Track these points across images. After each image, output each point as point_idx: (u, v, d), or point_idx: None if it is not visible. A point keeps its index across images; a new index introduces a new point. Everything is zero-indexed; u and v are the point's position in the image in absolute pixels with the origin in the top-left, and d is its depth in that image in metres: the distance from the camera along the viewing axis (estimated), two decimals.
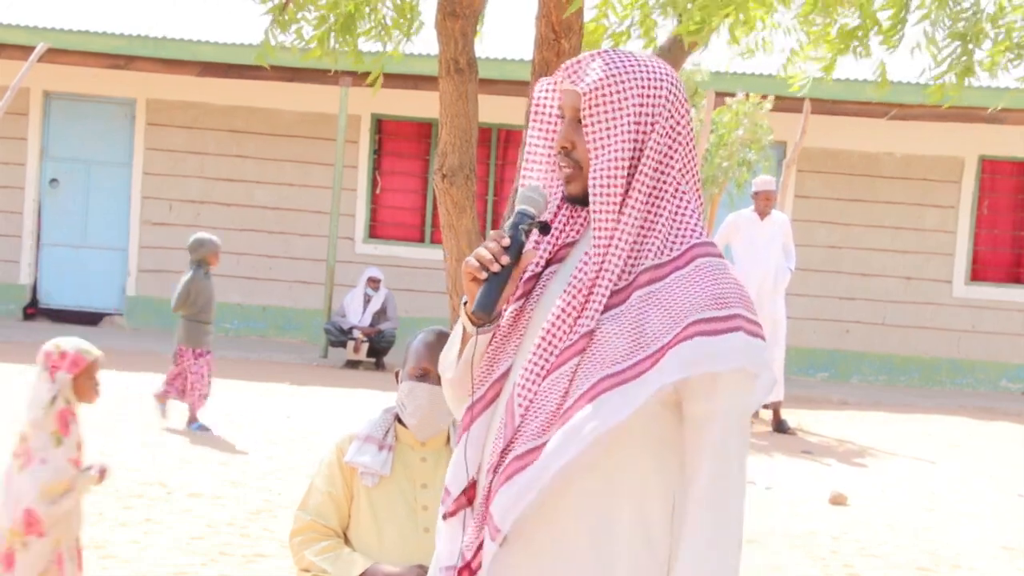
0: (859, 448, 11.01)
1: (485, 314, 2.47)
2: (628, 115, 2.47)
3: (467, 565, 2.50)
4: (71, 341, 4.63)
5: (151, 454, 8.59)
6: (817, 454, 10.56)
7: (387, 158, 16.02)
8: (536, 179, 2.60)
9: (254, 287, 15.76)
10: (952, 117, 13.76)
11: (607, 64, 2.49)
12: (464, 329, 2.58)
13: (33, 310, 15.85)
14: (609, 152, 2.46)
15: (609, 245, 2.46)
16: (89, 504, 7.14)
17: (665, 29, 5.33)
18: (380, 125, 15.94)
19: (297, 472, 8.27)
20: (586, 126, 2.48)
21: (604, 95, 2.47)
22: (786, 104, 12.58)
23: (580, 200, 2.53)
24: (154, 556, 6.26)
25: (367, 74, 5.47)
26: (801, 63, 5.54)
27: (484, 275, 2.46)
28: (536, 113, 2.62)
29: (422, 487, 3.91)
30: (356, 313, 14.07)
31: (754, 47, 5.58)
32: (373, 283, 14.17)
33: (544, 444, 2.42)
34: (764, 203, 11.34)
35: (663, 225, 2.48)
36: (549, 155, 2.60)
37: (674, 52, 5.19)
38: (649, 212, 2.48)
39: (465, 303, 2.55)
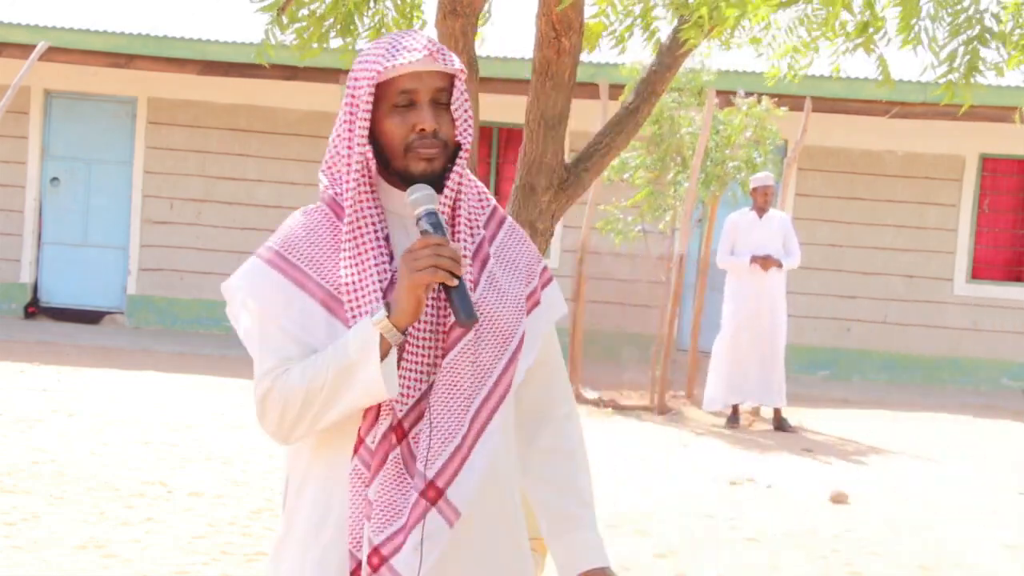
0: (860, 446, 11.01)
1: (475, 319, 2.44)
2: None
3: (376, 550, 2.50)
4: None
5: (152, 453, 8.59)
6: (818, 452, 10.55)
7: None
8: (327, 168, 2.63)
9: None
10: (953, 115, 13.74)
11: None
12: (383, 339, 2.43)
13: (34, 309, 15.85)
14: (472, 127, 2.57)
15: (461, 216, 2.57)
16: (90, 503, 7.15)
17: (666, 26, 5.31)
18: None
19: None
20: (456, 107, 2.53)
21: (464, 73, 2.58)
22: (787, 102, 12.56)
23: (435, 180, 2.52)
24: (155, 555, 6.26)
25: None
26: (778, 60, 5.45)
27: (456, 282, 2.42)
28: (353, 105, 2.54)
29: None
30: None
31: (760, 47, 5.52)
32: None
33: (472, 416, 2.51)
34: (762, 198, 11.32)
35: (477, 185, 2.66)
36: (359, 145, 2.53)
37: (674, 49, 5.17)
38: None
39: (385, 315, 2.42)
